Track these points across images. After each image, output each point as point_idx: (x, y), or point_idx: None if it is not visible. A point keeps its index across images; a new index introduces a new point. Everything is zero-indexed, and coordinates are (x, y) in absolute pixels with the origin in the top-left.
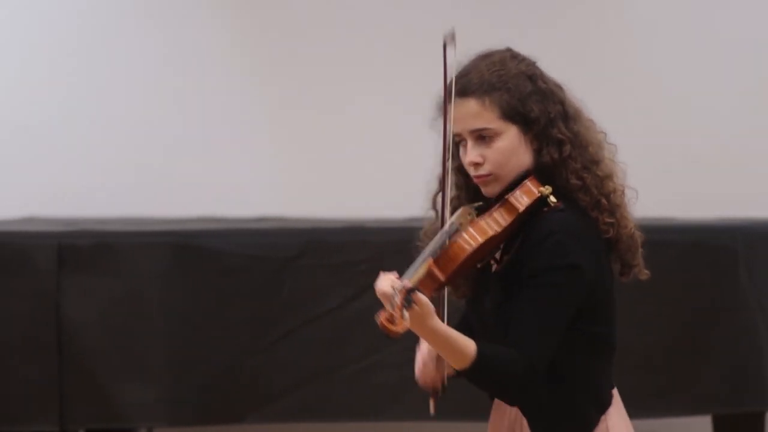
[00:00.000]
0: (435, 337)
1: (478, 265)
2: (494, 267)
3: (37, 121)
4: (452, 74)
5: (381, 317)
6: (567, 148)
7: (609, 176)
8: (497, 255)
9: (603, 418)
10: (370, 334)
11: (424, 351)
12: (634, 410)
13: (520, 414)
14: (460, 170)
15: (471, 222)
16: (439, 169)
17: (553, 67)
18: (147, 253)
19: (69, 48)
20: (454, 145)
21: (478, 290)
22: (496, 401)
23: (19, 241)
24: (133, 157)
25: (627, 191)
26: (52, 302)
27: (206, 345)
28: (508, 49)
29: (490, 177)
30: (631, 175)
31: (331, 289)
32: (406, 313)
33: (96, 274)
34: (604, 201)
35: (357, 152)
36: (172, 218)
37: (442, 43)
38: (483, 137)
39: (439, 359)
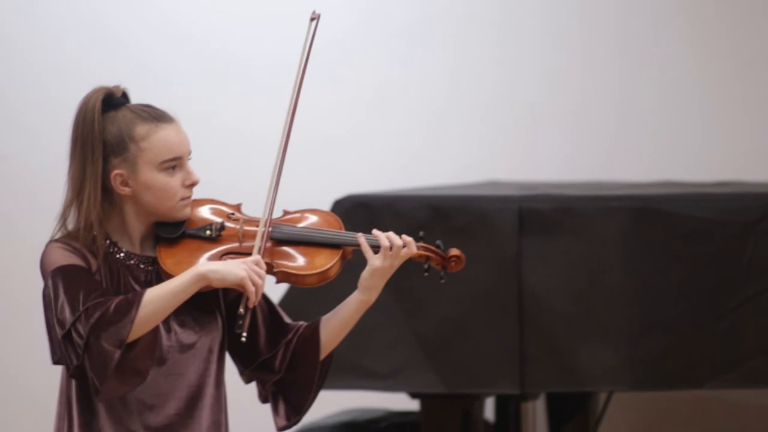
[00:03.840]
0: None
1: None
2: None
3: (513, 89)
4: None
5: None
6: None
7: None
8: None
9: None
10: None
11: None
12: None
13: None
14: None
15: None
16: None
17: None
18: (607, 217)
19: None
20: None
21: None
22: None
23: (481, 205)
24: (589, 123)
25: None
26: (513, 266)
27: (666, 309)
28: None
29: None
30: None
31: None
32: None
33: (556, 237)
34: None
35: None
36: (631, 182)
37: None
38: None
39: None
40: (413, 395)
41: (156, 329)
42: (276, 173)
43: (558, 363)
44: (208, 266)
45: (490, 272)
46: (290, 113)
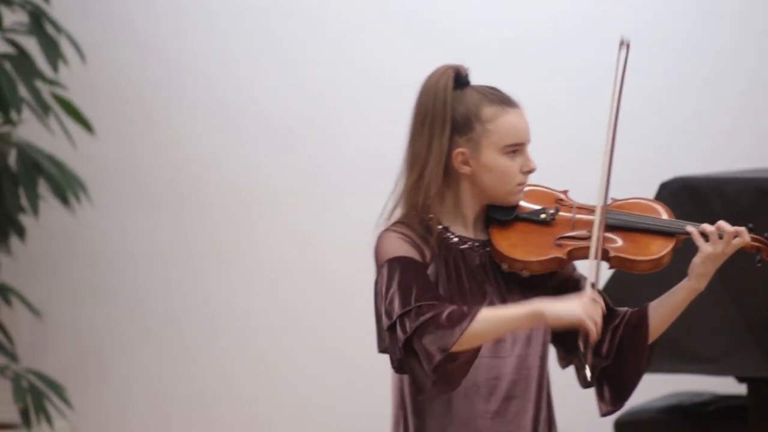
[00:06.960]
0: None
1: None
2: None
3: None
4: None
5: None
6: None
7: None
8: None
9: None
10: None
11: None
12: None
13: None
14: None
15: None
16: None
17: None
18: None
19: None
20: None
21: None
22: None
23: None
24: None
25: None
26: None
27: None
28: None
29: None
30: None
31: None
32: None
33: None
34: None
35: None
36: None
37: None
38: None
39: None
40: (741, 379)
41: (477, 348)
42: (607, 162)
43: None
44: (546, 305)
45: None
46: (614, 106)
